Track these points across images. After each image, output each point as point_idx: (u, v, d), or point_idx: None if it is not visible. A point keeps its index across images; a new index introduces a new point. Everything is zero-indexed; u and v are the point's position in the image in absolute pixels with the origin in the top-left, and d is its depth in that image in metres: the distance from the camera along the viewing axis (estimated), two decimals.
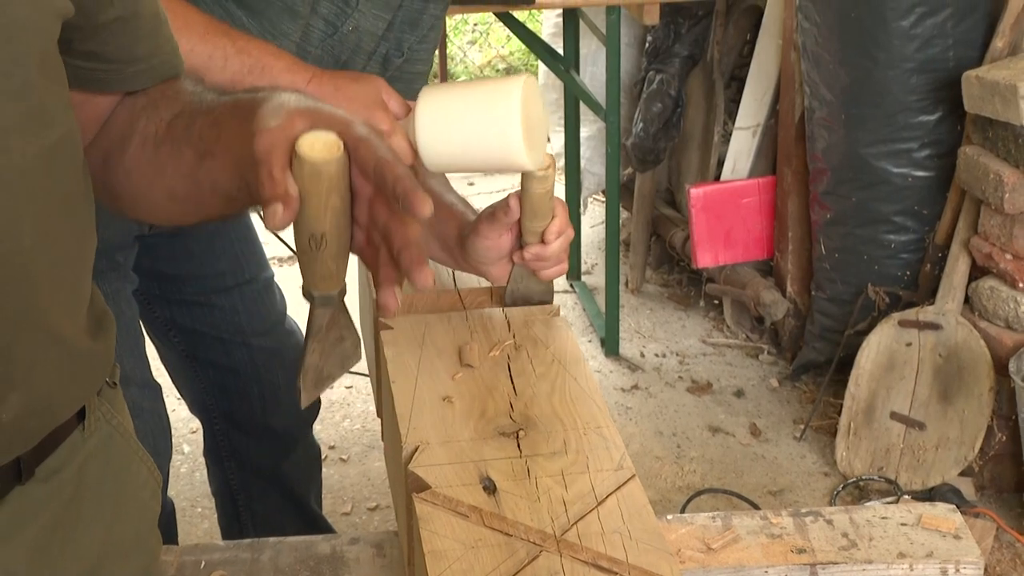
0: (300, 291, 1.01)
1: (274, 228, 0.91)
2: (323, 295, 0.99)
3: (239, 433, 2.08)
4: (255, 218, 1.96)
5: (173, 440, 3.00)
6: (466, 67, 5.56)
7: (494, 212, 1.51)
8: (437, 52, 4.84)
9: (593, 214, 4.01)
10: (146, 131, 1.04)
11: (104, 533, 0.93)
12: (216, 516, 2.27)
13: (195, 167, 0.98)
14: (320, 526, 2.18)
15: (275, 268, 2.10)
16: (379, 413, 1.68)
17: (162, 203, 1.05)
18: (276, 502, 2.13)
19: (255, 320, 1.97)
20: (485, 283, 1.64)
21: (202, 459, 2.97)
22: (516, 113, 1.38)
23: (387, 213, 0.93)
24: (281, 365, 2.01)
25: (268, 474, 2.10)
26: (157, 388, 1.78)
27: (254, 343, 1.98)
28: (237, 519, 2.15)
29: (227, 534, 2.18)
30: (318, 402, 2.17)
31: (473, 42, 5.77)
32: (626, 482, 1.26)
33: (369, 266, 0.97)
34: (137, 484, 0.94)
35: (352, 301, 2.06)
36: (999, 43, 2.63)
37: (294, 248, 1.84)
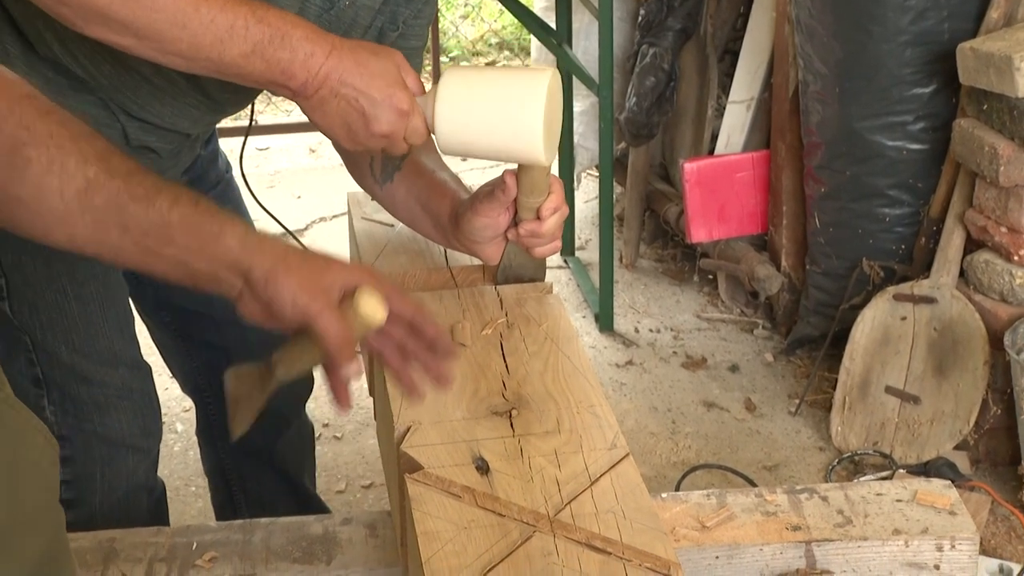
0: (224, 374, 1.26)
1: (346, 376, 1.17)
2: (284, 377, 1.22)
3: None
4: (246, 195, 1.95)
5: (165, 419, 3.00)
6: (458, 41, 5.53)
7: (492, 191, 1.50)
8: (429, 27, 4.80)
9: (587, 189, 4.00)
10: (41, 176, 1.06)
11: (5, 504, 0.92)
12: (209, 496, 2.26)
13: (126, 250, 1.09)
14: (314, 506, 2.17)
15: None
16: (371, 392, 1.67)
17: (56, 239, 1.11)
18: (270, 482, 2.12)
19: None
20: (477, 261, 1.63)
21: (195, 438, 2.96)
22: (540, 108, 1.36)
23: (414, 344, 1.22)
24: (273, 344, 2.00)
25: (262, 454, 2.09)
26: (147, 369, 1.77)
27: (246, 322, 1.96)
28: (231, 499, 2.15)
29: (221, 514, 2.18)
30: (312, 380, 2.16)
31: (466, 16, 5.74)
32: (619, 461, 1.25)
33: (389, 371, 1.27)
34: (35, 453, 0.93)
35: None
36: (994, 14, 2.61)
37: (287, 227, 1.85)
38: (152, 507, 1.81)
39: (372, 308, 1.14)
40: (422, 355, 1.22)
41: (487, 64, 5.41)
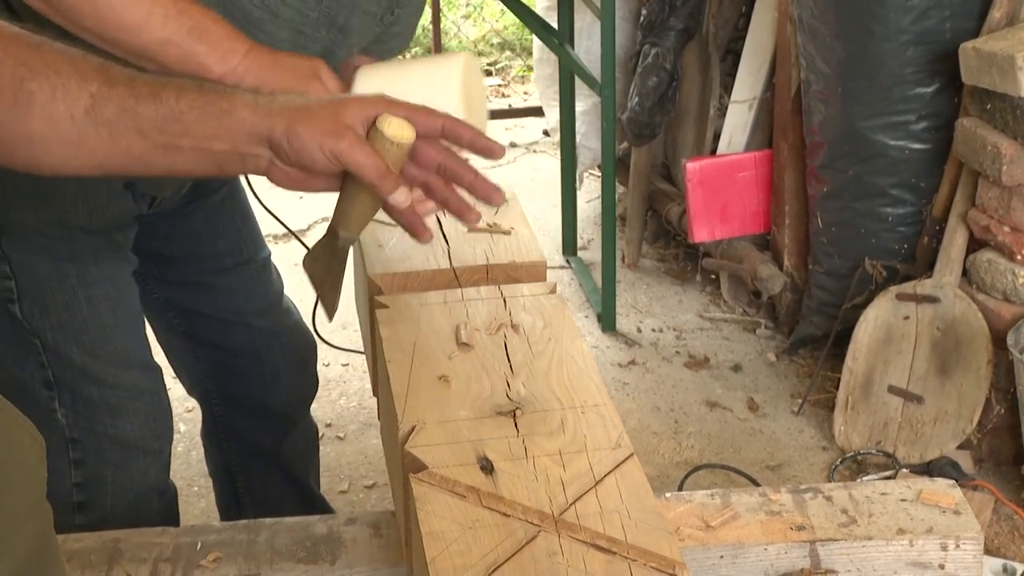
0: (301, 263, 1.23)
1: (400, 204, 1.18)
2: (350, 236, 1.22)
3: (239, 414, 2.07)
4: (251, 197, 1.95)
5: None
6: (460, 41, 5.53)
7: None
8: (431, 26, 4.80)
9: (589, 189, 4.00)
10: (48, 106, 1.05)
11: None
12: (213, 496, 2.27)
13: (148, 153, 1.08)
14: (319, 506, 2.17)
15: (270, 246, 2.08)
16: (375, 392, 1.67)
17: (79, 167, 1.10)
18: (276, 483, 2.12)
19: (254, 300, 1.96)
20: (481, 261, 1.63)
21: (198, 439, 2.96)
22: (456, 91, 1.37)
23: (454, 163, 1.21)
24: (280, 345, 2.00)
25: (268, 455, 2.09)
26: (158, 370, 1.77)
27: (253, 323, 1.96)
28: (236, 500, 2.15)
29: (225, 515, 2.18)
30: (316, 381, 2.16)
31: (467, 16, 5.74)
32: (624, 461, 1.25)
33: (435, 200, 1.25)
34: (21, 451, 0.93)
35: (347, 280, 2.05)
36: (996, 13, 2.61)
37: (289, 227, 1.84)
38: (164, 509, 1.81)
39: (397, 128, 1.14)
40: (465, 175, 1.23)
41: (490, 64, 5.41)
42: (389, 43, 1.68)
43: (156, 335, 2.01)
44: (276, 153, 1.13)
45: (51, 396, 1.64)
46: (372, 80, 1.40)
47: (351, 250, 1.65)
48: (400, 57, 1.48)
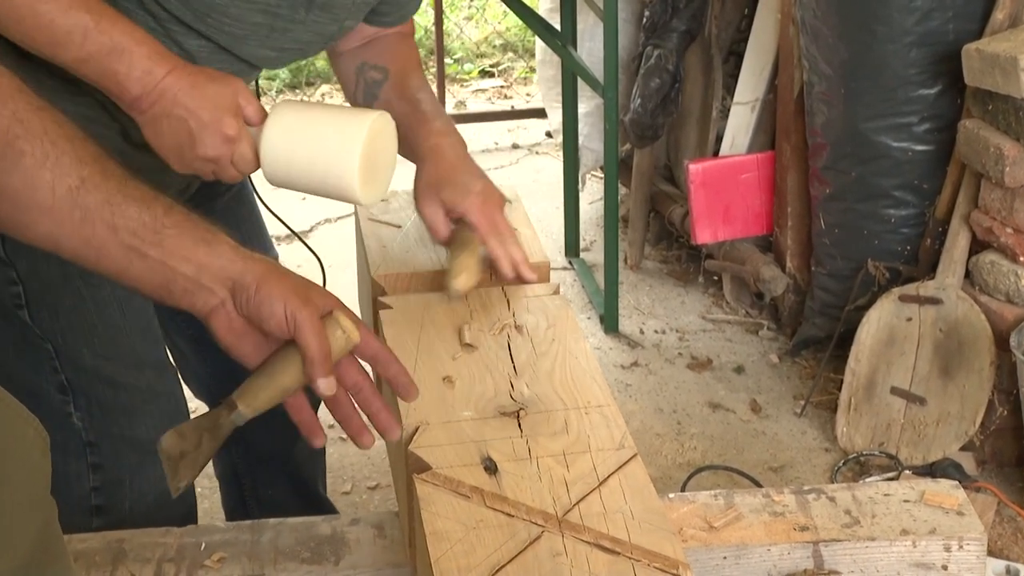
0: (159, 443, 1.20)
1: (325, 391, 1.18)
2: (245, 415, 1.21)
3: None
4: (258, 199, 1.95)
5: None
6: (463, 43, 5.53)
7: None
8: (434, 29, 4.80)
9: (591, 191, 4.00)
10: (34, 170, 1.07)
11: None
12: (217, 497, 2.26)
13: (109, 248, 1.10)
14: (325, 510, 2.17)
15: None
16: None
17: (35, 235, 1.12)
18: (283, 487, 2.11)
19: None
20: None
21: None
22: (357, 150, 1.41)
23: (369, 389, 1.22)
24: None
25: (276, 459, 2.08)
26: (173, 371, 1.75)
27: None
28: (243, 504, 2.14)
29: (231, 517, 2.17)
30: None
31: (470, 18, 5.74)
32: (628, 461, 1.26)
33: (337, 415, 1.25)
34: (24, 444, 0.94)
35: (351, 282, 2.05)
36: (999, 15, 2.61)
37: (293, 229, 1.85)
38: (184, 513, 1.79)
39: (350, 327, 1.19)
40: (374, 402, 1.24)
41: (492, 65, 5.41)
42: (390, 13, 1.67)
43: (164, 338, 2.00)
44: (234, 298, 1.15)
45: (66, 400, 1.62)
46: (284, 117, 1.43)
47: (356, 245, 1.65)
48: (322, 100, 1.50)
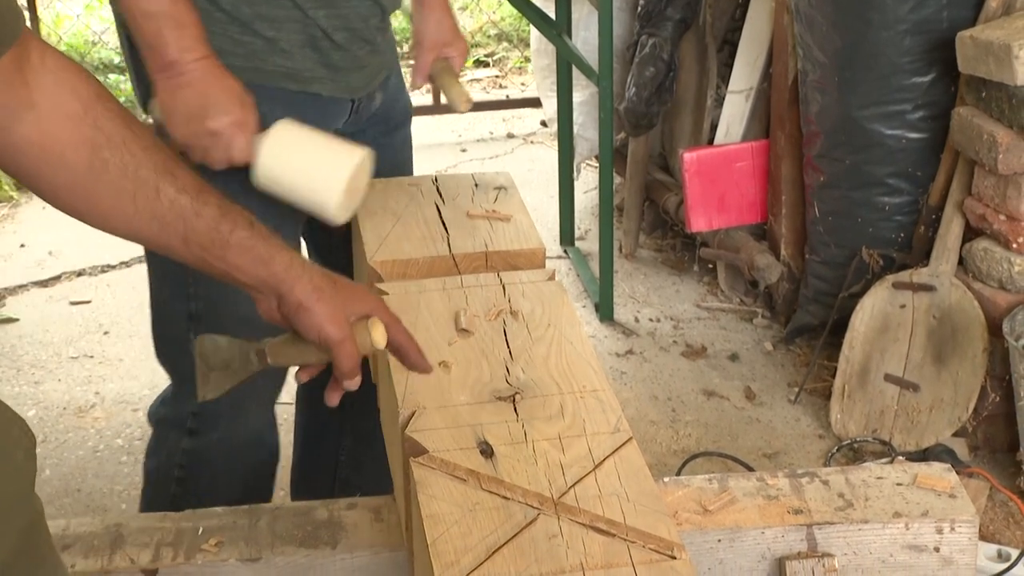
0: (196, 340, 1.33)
1: (350, 387, 1.30)
2: (271, 366, 1.31)
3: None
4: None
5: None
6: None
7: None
8: None
9: (586, 179, 4.00)
10: (117, 181, 1.14)
11: None
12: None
13: (179, 253, 1.21)
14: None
15: None
16: (375, 379, 1.68)
17: (115, 230, 1.20)
18: (374, 466, 2.12)
19: None
20: (480, 248, 1.64)
21: None
22: (342, 183, 1.60)
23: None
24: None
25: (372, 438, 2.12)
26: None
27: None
28: (331, 484, 2.15)
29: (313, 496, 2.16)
30: None
31: (464, 8, 5.74)
32: (623, 445, 1.27)
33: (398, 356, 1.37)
34: (9, 444, 0.94)
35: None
36: (993, 3, 2.62)
37: None
38: (264, 461, 1.92)
39: (379, 336, 1.29)
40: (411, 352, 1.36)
41: (487, 55, 5.41)
42: None
43: None
44: (279, 305, 1.28)
45: (188, 328, 1.77)
46: (289, 129, 1.61)
47: (353, 232, 1.70)
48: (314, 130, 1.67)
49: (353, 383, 1.30)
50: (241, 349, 1.31)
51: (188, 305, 1.77)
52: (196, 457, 1.87)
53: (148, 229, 1.19)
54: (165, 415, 1.91)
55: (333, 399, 1.32)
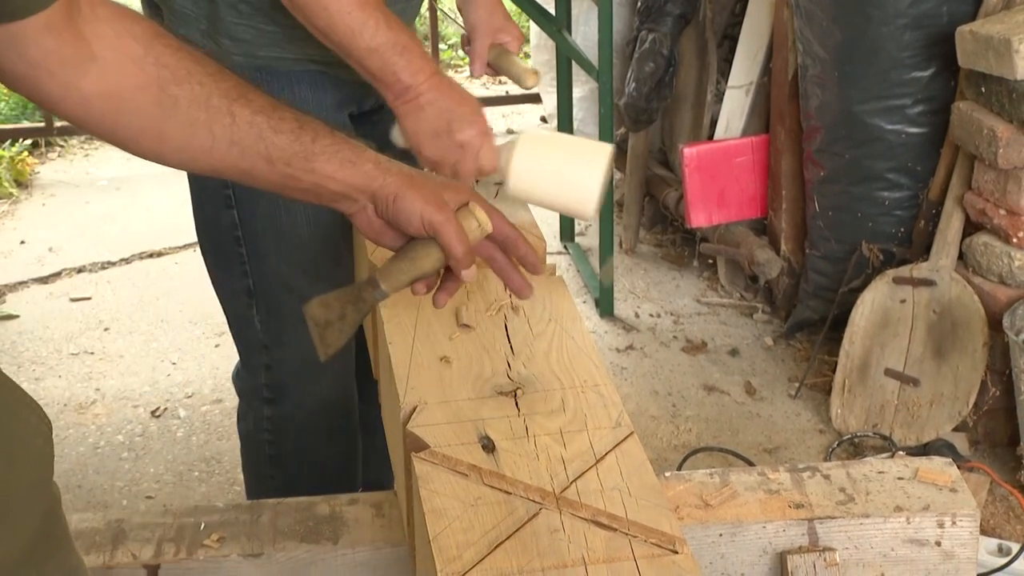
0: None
1: (468, 278, 1.26)
2: (387, 292, 1.26)
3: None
4: None
5: (167, 406, 3.00)
6: (457, 28, 5.53)
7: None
8: (427, 12, 4.79)
9: None
10: (189, 112, 1.12)
11: None
12: (216, 482, 2.27)
13: (264, 175, 1.19)
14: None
15: None
16: (376, 374, 1.68)
17: (196, 166, 1.19)
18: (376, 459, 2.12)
19: None
20: None
21: (199, 424, 2.98)
22: (599, 182, 1.57)
23: (502, 258, 1.31)
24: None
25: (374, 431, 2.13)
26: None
27: None
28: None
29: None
30: None
31: None
32: (624, 439, 1.27)
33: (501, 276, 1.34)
34: (27, 431, 0.95)
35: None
36: None
37: None
38: (340, 426, 1.97)
39: (484, 219, 1.27)
40: (508, 269, 1.33)
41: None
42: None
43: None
44: (375, 205, 1.24)
45: (250, 303, 1.84)
46: (533, 145, 1.61)
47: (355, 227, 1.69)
48: (555, 131, 1.67)
49: (468, 272, 1.26)
50: (350, 293, 1.29)
51: (246, 282, 1.84)
52: (279, 424, 1.96)
53: (229, 156, 1.16)
54: (243, 386, 2.00)
55: (442, 299, 1.29)
